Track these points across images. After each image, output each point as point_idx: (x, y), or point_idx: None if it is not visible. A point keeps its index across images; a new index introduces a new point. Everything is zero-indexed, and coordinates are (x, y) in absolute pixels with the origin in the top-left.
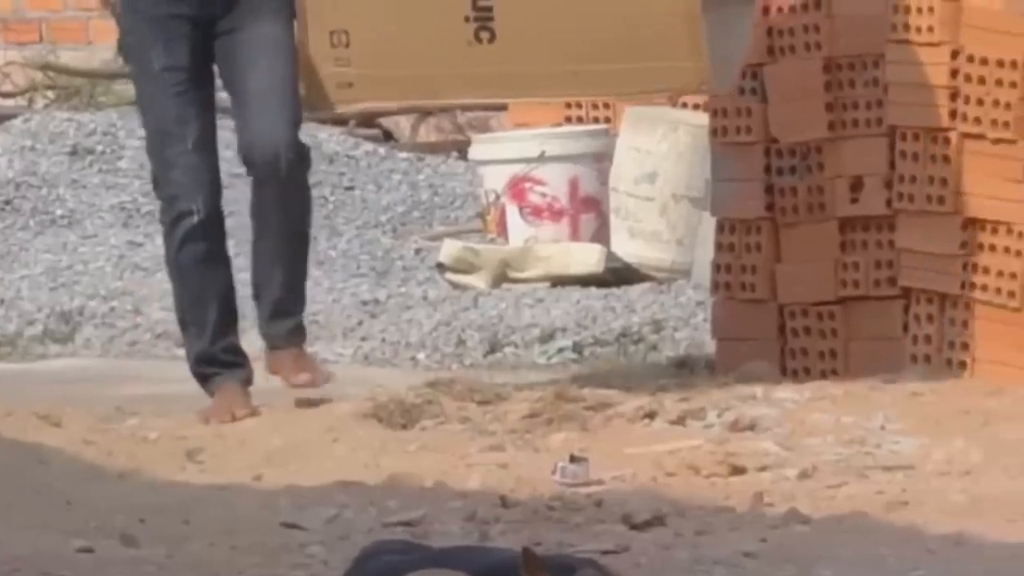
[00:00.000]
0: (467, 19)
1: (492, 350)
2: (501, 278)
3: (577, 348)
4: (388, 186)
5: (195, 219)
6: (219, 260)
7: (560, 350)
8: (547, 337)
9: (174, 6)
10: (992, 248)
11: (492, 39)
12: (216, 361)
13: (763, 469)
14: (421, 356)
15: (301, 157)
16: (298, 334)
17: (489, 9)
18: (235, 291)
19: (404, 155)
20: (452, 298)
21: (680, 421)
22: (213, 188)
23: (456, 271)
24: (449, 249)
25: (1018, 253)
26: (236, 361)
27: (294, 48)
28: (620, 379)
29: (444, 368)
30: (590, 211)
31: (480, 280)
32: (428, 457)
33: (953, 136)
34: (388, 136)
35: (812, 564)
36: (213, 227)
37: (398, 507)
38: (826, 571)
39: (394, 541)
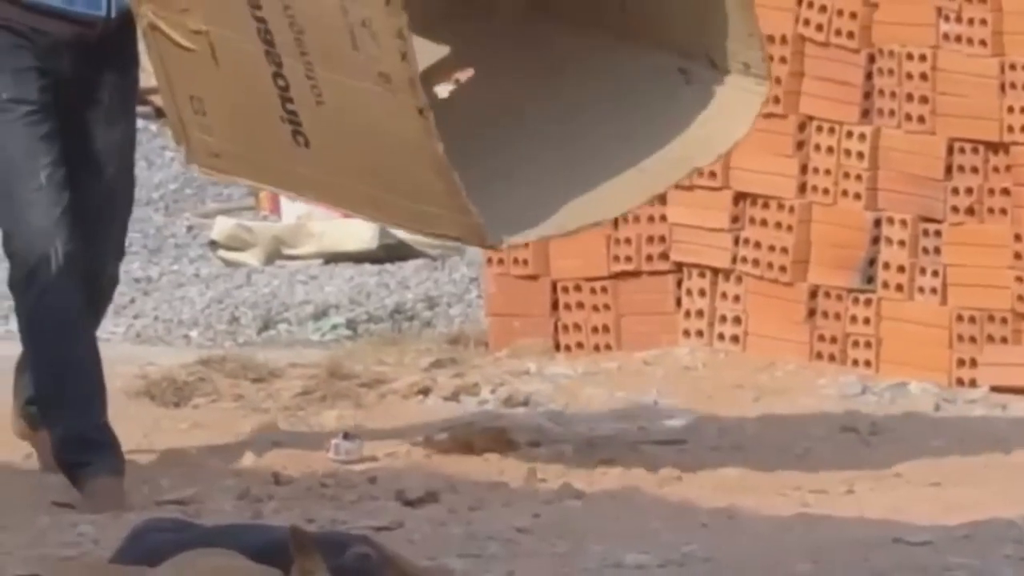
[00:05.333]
0: (282, 119)
1: (266, 327)
2: (275, 255)
3: (351, 325)
4: (160, 163)
5: (54, 265)
6: (80, 318)
7: (334, 327)
8: (321, 314)
9: (19, 39)
10: (763, 222)
11: (307, 144)
12: (86, 443)
13: (536, 445)
14: (194, 334)
15: (115, 283)
16: None
17: (296, 114)
18: (100, 358)
19: None
20: (225, 275)
21: (454, 397)
22: (73, 230)
23: (229, 248)
24: (222, 226)
25: (788, 227)
26: (106, 442)
27: (134, 144)
28: (394, 356)
29: (217, 345)
30: None
31: (253, 257)
32: (201, 435)
33: None
34: (159, 113)
35: (585, 539)
36: (73, 275)
37: (170, 485)
38: (599, 546)
39: (166, 519)
